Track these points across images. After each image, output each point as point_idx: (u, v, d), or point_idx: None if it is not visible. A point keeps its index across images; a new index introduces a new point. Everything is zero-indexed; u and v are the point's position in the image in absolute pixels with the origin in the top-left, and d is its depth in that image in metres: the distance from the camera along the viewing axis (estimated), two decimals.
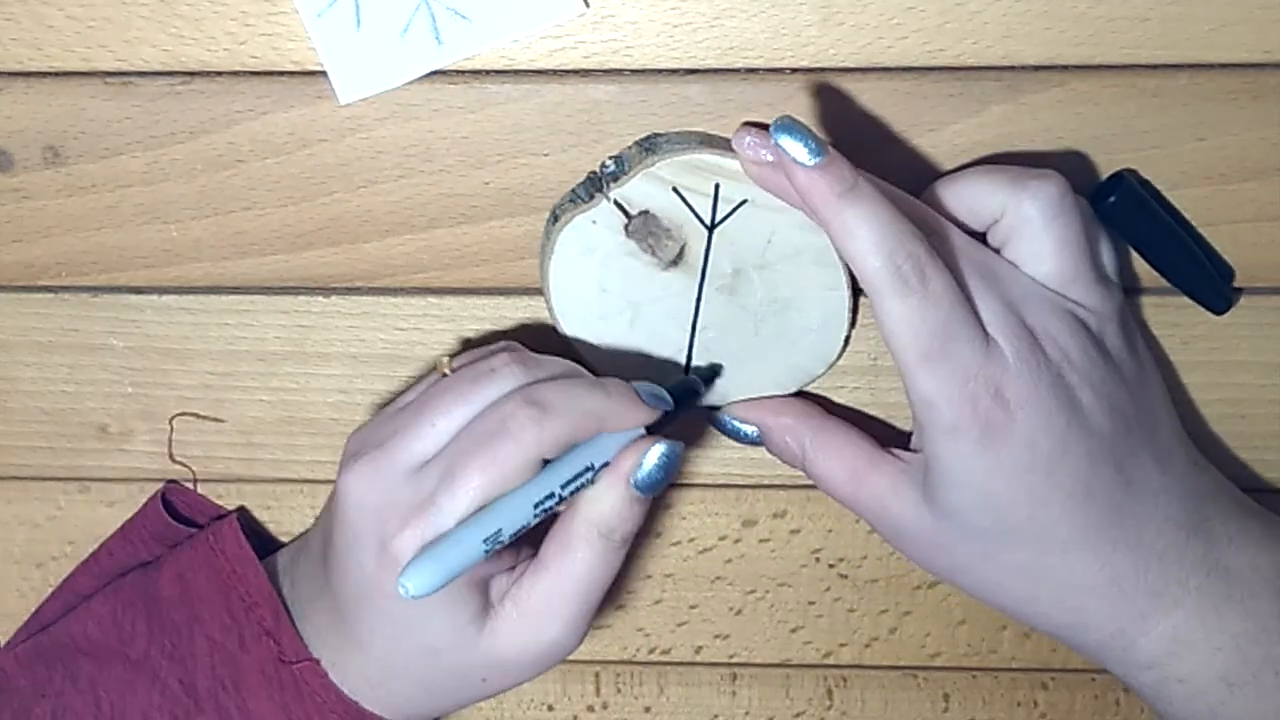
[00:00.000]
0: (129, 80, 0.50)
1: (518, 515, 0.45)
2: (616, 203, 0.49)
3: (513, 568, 0.48)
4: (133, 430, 0.56)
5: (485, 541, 0.44)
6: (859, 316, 0.52)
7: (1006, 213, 0.47)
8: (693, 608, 0.59)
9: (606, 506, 0.47)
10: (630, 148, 0.50)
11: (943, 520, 0.47)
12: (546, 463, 0.45)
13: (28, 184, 0.51)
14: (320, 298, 0.53)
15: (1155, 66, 0.49)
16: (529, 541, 0.48)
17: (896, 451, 0.49)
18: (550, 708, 0.61)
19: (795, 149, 0.44)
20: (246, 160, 0.51)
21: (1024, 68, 0.49)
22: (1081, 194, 0.49)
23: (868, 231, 0.44)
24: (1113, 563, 0.47)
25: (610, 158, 0.49)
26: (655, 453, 0.46)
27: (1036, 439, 0.45)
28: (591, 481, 0.47)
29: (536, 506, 0.45)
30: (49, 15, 0.49)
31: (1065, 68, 0.49)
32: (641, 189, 0.48)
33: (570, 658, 0.60)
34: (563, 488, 0.46)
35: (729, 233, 0.49)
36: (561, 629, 0.48)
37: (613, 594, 0.58)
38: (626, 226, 0.49)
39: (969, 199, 0.48)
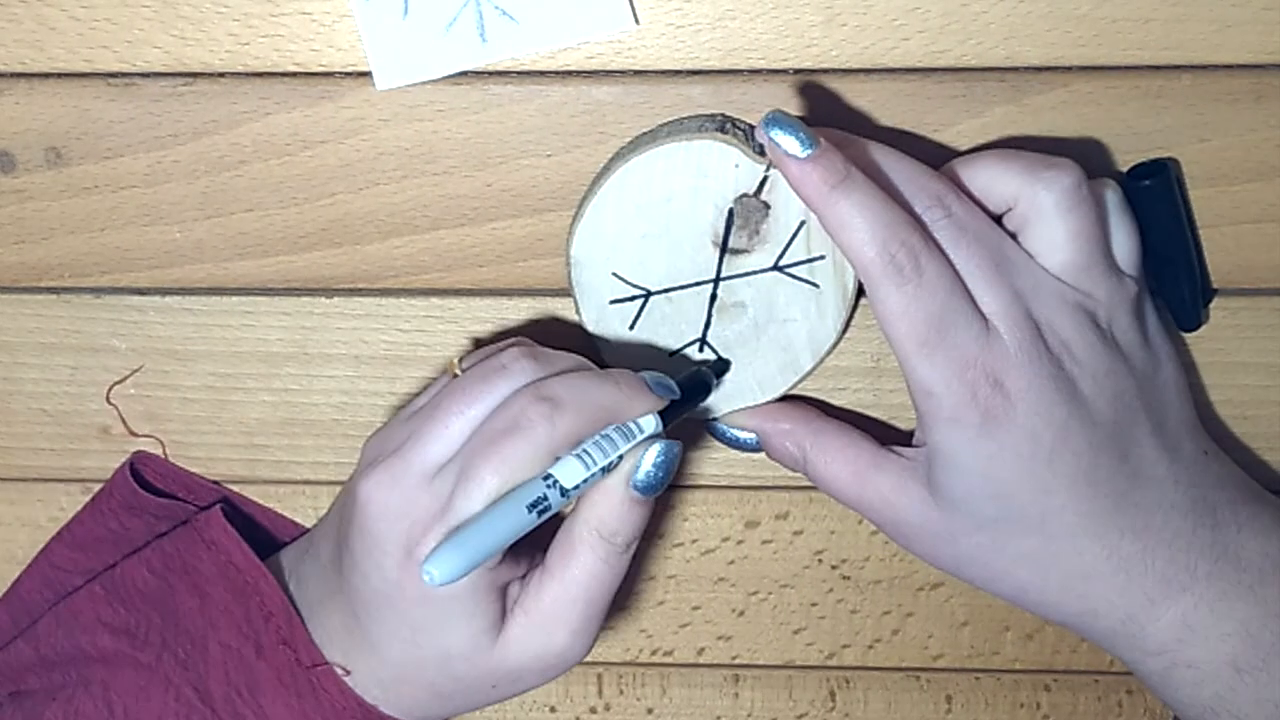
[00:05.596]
0: (131, 81, 0.50)
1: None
2: (765, 180, 0.47)
3: (525, 575, 0.48)
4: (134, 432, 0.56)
5: (506, 524, 0.44)
6: (861, 317, 0.52)
7: (1021, 200, 0.47)
8: (695, 609, 0.59)
9: (606, 509, 0.46)
10: None
11: (949, 512, 0.47)
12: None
13: (30, 185, 0.51)
14: (323, 299, 0.53)
15: (1158, 68, 0.49)
16: (543, 547, 0.48)
17: (898, 449, 0.49)
18: (553, 709, 0.61)
19: (787, 142, 0.44)
20: (249, 161, 0.51)
21: (1027, 69, 0.49)
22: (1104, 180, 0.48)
23: (861, 221, 0.44)
24: (1119, 550, 0.47)
25: None
26: (653, 453, 0.46)
27: (1037, 429, 0.45)
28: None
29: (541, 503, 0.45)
30: (51, 16, 0.49)
31: (1068, 69, 0.49)
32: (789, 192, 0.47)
33: None
34: (574, 487, 0.45)
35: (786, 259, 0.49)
36: (568, 636, 0.48)
37: (617, 597, 0.58)
38: (741, 197, 0.48)
39: (983, 183, 0.47)
